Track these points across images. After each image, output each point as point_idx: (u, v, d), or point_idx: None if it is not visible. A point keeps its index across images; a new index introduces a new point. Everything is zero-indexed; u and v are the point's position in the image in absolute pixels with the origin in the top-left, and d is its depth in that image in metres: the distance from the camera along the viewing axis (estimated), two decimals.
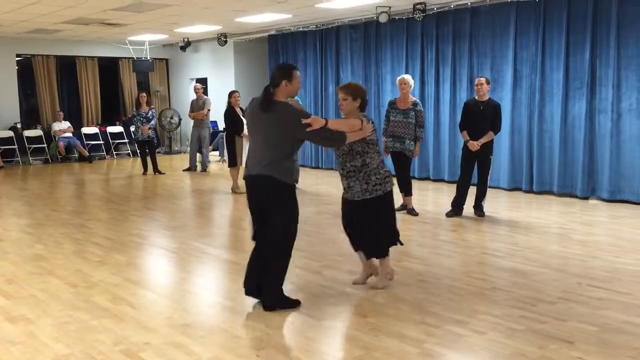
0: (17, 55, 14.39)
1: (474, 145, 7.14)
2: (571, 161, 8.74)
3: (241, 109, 9.67)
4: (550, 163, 8.96)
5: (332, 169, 12.11)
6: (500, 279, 4.99)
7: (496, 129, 7.22)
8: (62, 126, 14.20)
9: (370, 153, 4.48)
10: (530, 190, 9.16)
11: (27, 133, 14.03)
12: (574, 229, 6.77)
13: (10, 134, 13.78)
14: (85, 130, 14.94)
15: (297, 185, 4.37)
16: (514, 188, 9.36)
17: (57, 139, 14.08)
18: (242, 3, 9.43)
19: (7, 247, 6.20)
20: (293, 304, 4.26)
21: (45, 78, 14.84)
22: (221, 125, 12.60)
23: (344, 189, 4.58)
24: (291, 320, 4.10)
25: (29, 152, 13.84)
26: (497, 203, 8.26)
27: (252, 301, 4.35)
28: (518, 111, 9.32)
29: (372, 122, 4.48)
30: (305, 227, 6.56)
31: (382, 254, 4.67)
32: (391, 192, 4.59)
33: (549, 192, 8.98)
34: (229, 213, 8.39)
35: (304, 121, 4.04)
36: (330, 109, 12.21)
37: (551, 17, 8.80)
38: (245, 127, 9.56)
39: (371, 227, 4.56)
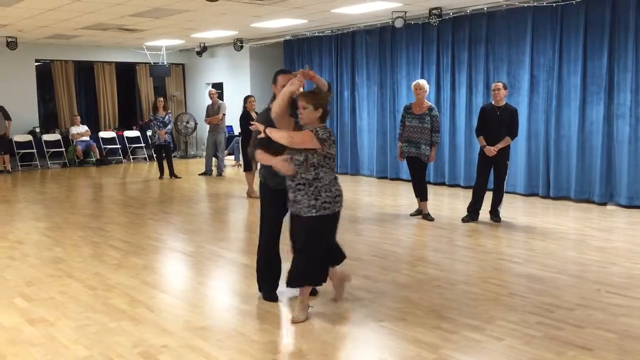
0: (36, 61, 14.57)
1: (491, 151, 7.11)
2: (589, 166, 8.67)
3: (256, 113, 9.71)
4: (568, 168, 8.90)
5: (346, 173, 12.12)
6: (517, 284, 4.96)
7: (513, 134, 7.19)
8: (80, 130, 14.36)
9: (325, 167, 4.05)
10: (547, 196, 9.10)
11: (46, 137, 14.22)
12: (592, 235, 6.72)
13: (29, 138, 13.96)
14: (103, 134, 15.10)
15: None
16: (531, 193, 9.30)
17: (74, 143, 14.24)
18: (258, 9, 9.49)
19: (27, 250, 6.28)
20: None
21: (64, 83, 15.03)
22: (237, 130, 12.67)
23: (290, 202, 4.15)
24: (307, 325, 4.11)
25: (47, 156, 14.00)
26: (513, 208, 8.22)
27: (268, 305, 4.36)
28: (535, 116, 9.27)
29: (332, 135, 4.10)
30: None
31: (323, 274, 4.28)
32: (339, 213, 4.17)
33: (566, 198, 8.92)
34: (245, 217, 8.43)
35: (253, 126, 4.28)
36: (346, 115, 12.23)
37: (568, 22, 8.75)
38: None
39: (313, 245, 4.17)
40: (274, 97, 4.33)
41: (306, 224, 4.08)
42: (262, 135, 4.12)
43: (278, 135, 4.05)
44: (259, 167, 9.38)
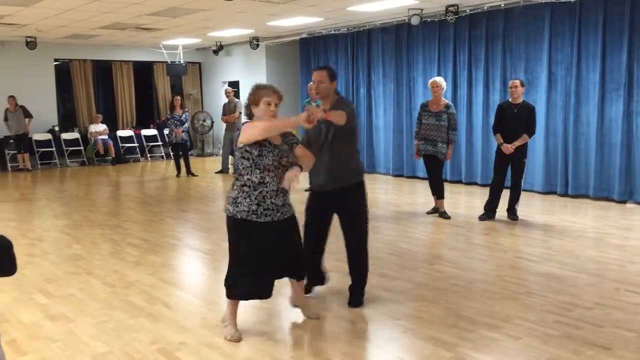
0: (55, 60, 14.74)
1: (508, 149, 7.06)
2: (608, 164, 8.58)
3: None
4: (586, 166, 8.81)
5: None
6: (535, 283, 4.93)
7: (530, 131, 7.13)
8: (99, 128, 14.50)
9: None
10: (565, 194, 9.01)
11: (65, 136, 14.38)
12: (611, 234, 6.65)
13: (49, 136, 14.14)
14: (120, 133, 15.23)
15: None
16: (549, 191, 9.22)
17: (93, 141, 14.39)
18: (274, 7, 9.50)
19: (47, 248, 6.37)
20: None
21: (82, 82, 15.18)
22: None
23: (278, 207, 3.76)
24: (325, 323, 4.12)
25: (66, 155, 14.16)
26: (531, 206, 8.15)
27: (285, 303, 4.38)
28: (553, 114, 9.19)
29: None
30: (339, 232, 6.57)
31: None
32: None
33: (585, 196, 8.83)
34: None
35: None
36: (362, 113, 12.21)
37: (587, 18, 8.65)
38: None
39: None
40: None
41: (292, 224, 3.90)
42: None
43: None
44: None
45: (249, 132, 3.58)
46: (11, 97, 12.84)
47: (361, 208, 4.41)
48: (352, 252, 4.48)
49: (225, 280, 3.86)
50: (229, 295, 3.86)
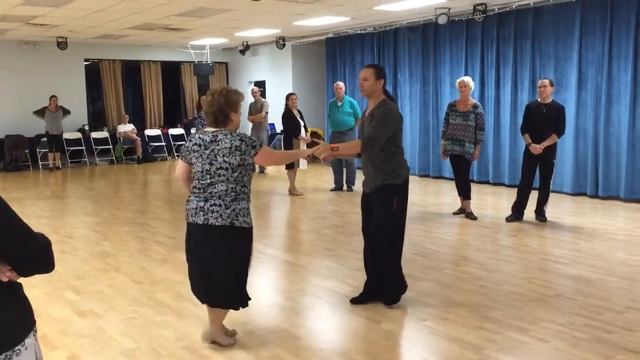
0: (85, 60, 14.99)
1: (537, 149, 6.97)
2: (639, 165, 8.40)
3: (299, 111, 9.76)
4: (617, 167, 8.64)
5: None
6: (564, 286, 4.85)
7: (560, 132, 7.02)
8: (127, 128, 14.70)
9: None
10: (595, 196, 8.86)
11: (94, 135, 14.61)
12: None
13: (79, 135, 14.38)
14: (148, 132, 15.41)
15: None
16: (578, 193, 9.07)
17: (121, 140, 14.60)
18: (300, 7, 9.52)
19: (77, 244, 6.48)
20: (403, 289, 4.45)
21: (112, 82, 15.42)
22: (279, 128, 12.75)
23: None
24: (350, 323, 4.12)
25: (95, 153, 14.39)
26: (560, 208, 8.03)
27: (310, 302, 4.38)
28: (583, 114, 9.03)
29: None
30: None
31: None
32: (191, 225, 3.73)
33: (615, 198, 8.66)
34: (287, 214, 8.49)
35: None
36: None
37: (619, 17, 8.49)
38: (302, 129, 9.68)
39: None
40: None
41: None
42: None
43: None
44: (300, 165, 9.44)
45: (270, 160, 3.81)
46: (53, 97, 13.15)
47: (386, 215, 4.26)
48: (375, 259, 4.41)
49: (237, 292, 3.67)
50: (244, 304, 3.76)
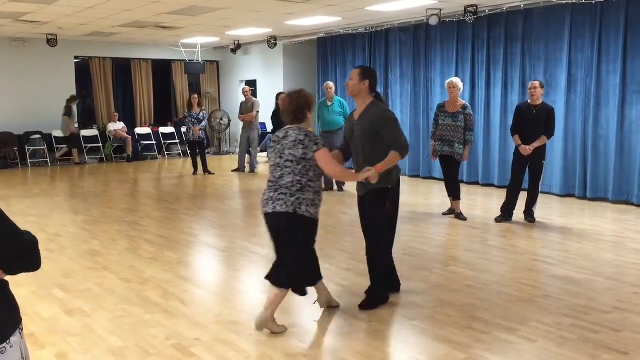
0: (75, 58, 14.89)
1: (526, 150, 7.01)
2: (627, 167, 8.47)
3: None
4: (606, 169, 8.71)
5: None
6: (552, 286, 4.88)
7: (549, 133, 7.07)
8: (117, 126, 14.63)
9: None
10: (583, 197, 8.92)
11: (84, 133, 14.53)
12: (630, 237, 6.57)
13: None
14: (139, 130, 15.35)
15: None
16: (567, 194, 9.13)
17: (111, 139, 14.53)
18: (292, 6, 9.52)
19: (65, 243, 6.44)
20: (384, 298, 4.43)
21: (102, 79, 15.33)
22: (270, 127, 12.74)
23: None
24: (339, 322, 4.13)
25: (85, 151, 14.30)
26: (548, 209, 8.08)
27: (300, 301, 4.38)
28: (572, 116, 9.10)
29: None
30: (352, 230, 6.58)
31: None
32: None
33: (604, 199, 8.73)
34: None
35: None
36: None
37: (608, 20, 8.55)
38: None
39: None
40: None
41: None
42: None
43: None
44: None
45: (327, 163, 3.86)
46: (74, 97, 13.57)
47: (377, 217, 4.35)
48: (368, 258, 4.50)
49: (298, 276, 3.95)
50: (303, 291, 4.03)
